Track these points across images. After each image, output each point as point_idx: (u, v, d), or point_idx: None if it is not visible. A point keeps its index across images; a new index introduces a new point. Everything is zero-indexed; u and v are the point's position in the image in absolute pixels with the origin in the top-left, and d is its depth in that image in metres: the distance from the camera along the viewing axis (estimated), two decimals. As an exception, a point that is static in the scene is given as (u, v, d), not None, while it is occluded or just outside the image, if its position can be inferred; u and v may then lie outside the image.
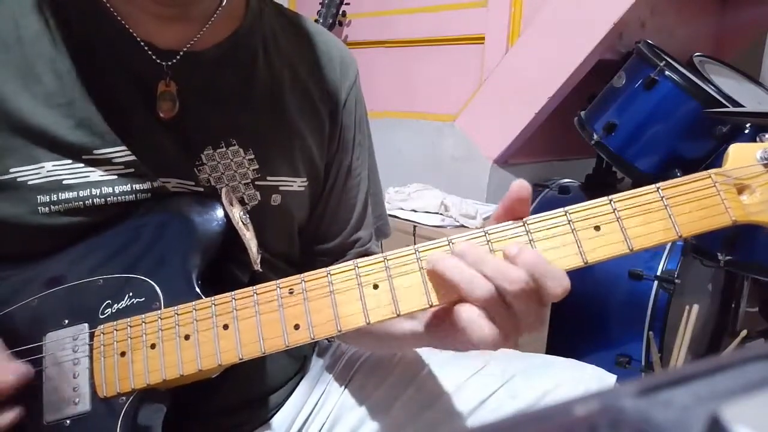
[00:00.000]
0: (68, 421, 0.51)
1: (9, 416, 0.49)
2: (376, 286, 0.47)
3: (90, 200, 0.55)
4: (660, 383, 0.17)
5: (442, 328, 0.50)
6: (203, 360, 0.49)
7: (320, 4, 2.04)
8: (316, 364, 0.77)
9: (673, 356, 1.41)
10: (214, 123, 0.61)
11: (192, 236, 0.55)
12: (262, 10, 0.67)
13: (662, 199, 0.45)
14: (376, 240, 0.79)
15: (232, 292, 0.50)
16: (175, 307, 0.51)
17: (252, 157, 0.62)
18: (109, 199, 0.55)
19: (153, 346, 0.51)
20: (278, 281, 0.49)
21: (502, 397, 0.66)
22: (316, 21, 1.96)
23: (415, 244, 0.47)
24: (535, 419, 0.17)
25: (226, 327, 0.49)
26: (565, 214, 0.46)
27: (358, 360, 0.76)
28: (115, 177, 0.56)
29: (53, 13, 0.55)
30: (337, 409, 0.71)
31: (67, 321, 0.53)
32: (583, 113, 1.63)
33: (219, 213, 0.56)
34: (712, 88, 1.45)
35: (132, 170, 0.56)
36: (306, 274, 0.49)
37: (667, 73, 1.41)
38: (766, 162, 0.45)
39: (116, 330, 0.52)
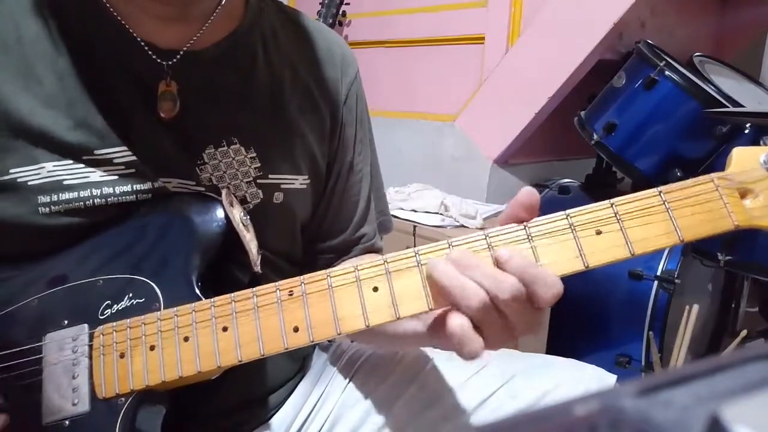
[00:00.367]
0: (67, 422, 0.51)
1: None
2: (375, 289, 0.47)
3: (90, 201, 0.55)
4: (660, 383, 0.17)
5: (444, 330, 0.50)
6: (202, 361, 0.49)
7: (320, 3, 2.04)
8: (317, 363, 0.77)
9: (673, 356, 1.41)
10: (215, 122, 0.61)
11: (192, 237, 0.55)
12: (262, 9, 0.67)
13: (664, 203, 0.45)
14: (379, 235, 0.79)
15: (232, 294, 0.50)
16: (175, 309, 0.51)
17: (254, 155, 0.62)
18: (109, 199, 0.55)
19: (152, 348, 0.51)
20: (278, 283, 0.49)
21: (502, 397, 0.66)
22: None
23: (415, 244, 0.47)
24: (535, 419, 0.17)
25: (225, 329, 0.49)
26: (567, 218, 0.45)
27: (359, 359, 0.76)
28: (116, 177, 0.56)
29: (53, 14, 0.55)
30: (337, 409, 0.71)
31: (66, 321, 0.53)
32: (583, 113, 1.63)
33: (219, 214, 0.56)
34: (712, 88, 1.45)
35: (133, 170, 0.56)
36: (305, 276, 0.49)
37: (667, 73, 1.41)
38: (769, 166, 0.45)
39: (116, 331, 0.52)
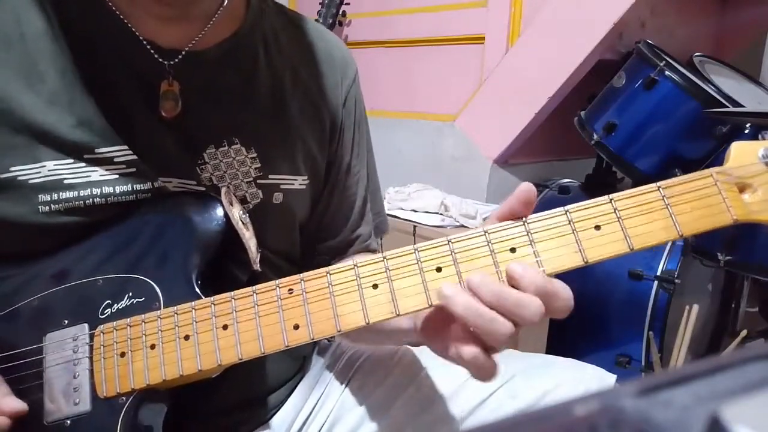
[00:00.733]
0: (68, 422, 0.51)
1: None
2: (375, 286, 0.47)
3: (91, 200, 0.55)
4: (660, 383, 0.17)
5: (431, 328, 0.50)
6: (203, 360, 0.49)
7: (320, 4, 2.04)
8: (316, 363, 0.77)
9: (673, 356, 1.41)
10: (217, 122, 0.61)
11: (192, 236, 0.55)
12: (263, 10, 0.67)
13: (663, 198, 0.45)
14: (375, 237, 0.80)
15: (232, 293, 0.50)
16: (175, 308, 0.51)
17: (254, 155, 0.62)
18: (109, 198, 0.55)
19: (153, 347, 0.51)
20: (278, 281, 0.49)
21: (502, 397, 0.66)
22: (316, 21, 1.95)
23: (414, 243, 0.47)
24: (535, 419, 0.17)
25: (225, 327, 0.49)
26: (566, 213, 0.45)
27: (358, 360, 0.76)
28: (116, 177, 0.56)
29: (55, 10, 0.55)
30: (336, 409, 0.71)
31: (67, 321, 0.53)
32: (583, 113, 1.63)
33: (218, 212, 0.56)
34: (712, 88, 1.45)
35: (133, 170, 0.56)
36: (305, 273, 0.49)
37: (667, 73, 1.41)
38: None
39: (116, 330, 0.52)
